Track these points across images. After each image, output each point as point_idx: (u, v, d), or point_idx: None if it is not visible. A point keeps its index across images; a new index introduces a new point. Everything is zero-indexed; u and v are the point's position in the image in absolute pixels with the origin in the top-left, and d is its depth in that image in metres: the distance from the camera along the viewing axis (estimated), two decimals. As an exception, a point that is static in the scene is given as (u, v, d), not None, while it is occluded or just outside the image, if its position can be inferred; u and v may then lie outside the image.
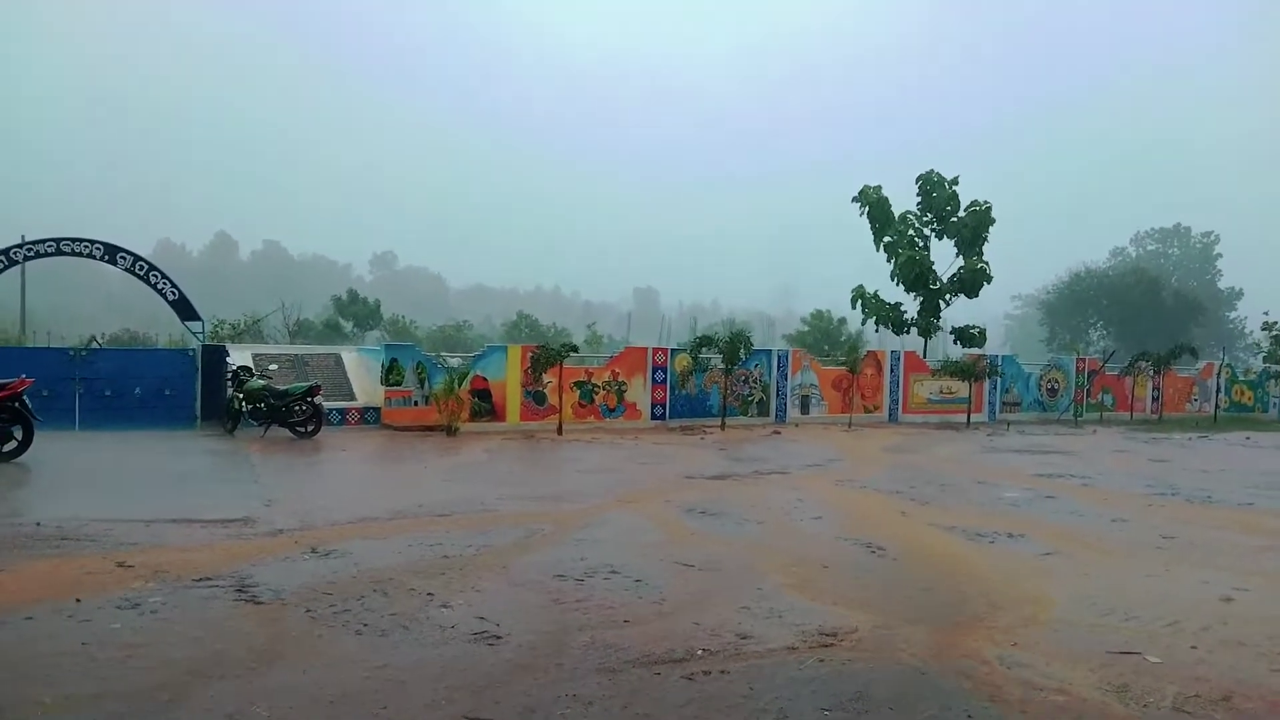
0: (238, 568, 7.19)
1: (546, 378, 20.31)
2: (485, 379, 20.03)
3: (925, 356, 27.42)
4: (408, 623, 5.88)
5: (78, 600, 6.15)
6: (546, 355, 19.60)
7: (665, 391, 22.36)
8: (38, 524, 8.65)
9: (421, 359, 19.92)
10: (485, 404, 19.98)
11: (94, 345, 22.00)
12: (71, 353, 18.81)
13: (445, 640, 5.57)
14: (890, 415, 25.51)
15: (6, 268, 18.57)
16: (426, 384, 19.43)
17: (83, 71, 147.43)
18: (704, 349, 22.37)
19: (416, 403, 19.42)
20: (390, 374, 19.23)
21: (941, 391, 26.09)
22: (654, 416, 22.12)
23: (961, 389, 25.59)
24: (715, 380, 22.91)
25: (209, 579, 6.82)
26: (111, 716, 4.31)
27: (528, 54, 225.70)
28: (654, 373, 22.22)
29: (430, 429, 18.93)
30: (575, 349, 22.12)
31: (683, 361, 22.57)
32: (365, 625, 5.80)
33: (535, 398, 20.53)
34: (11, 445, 12.88)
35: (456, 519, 9.58)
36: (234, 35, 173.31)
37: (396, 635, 5.63)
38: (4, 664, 4.96)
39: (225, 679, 4.83)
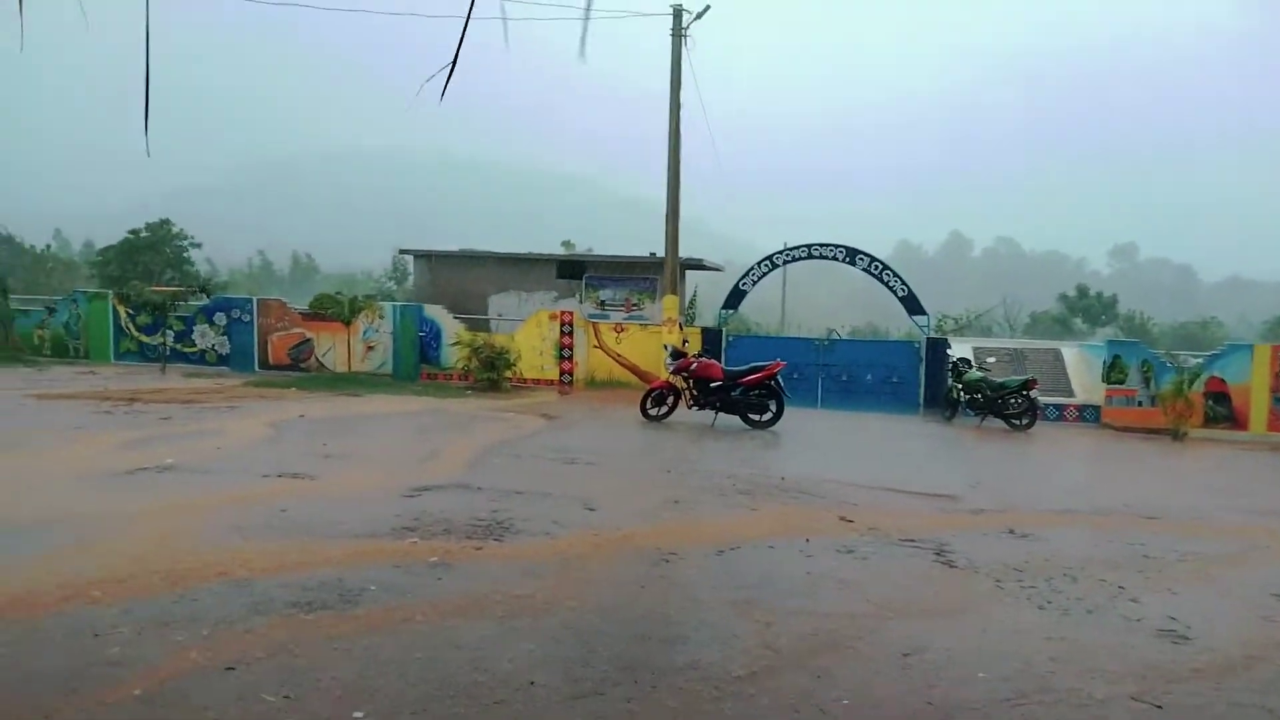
0: (939, 535, 7.94)
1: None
2: (1224, 381, 18.05)
3: None
4: (1092, 608, 6.00)
5: (807, 540, 7.48)
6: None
7: None
8: (782, 478, 10.51)
9: (1147, 356, 18.74)
10: (1222, 409, 18.01)
11: (834, 336, 25.03)
12: (817, 342, 21.77)
13: (1127, 629, 5.59)
14: None
15: (771, 270, 22.17)
16: (1152, 383, 18.25)
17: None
18: None
19: (1140, 403, 18.35)
20: (1112, 371, 18.49)
21: None
22: None
23: None
24: None
25: (913, 540, 7.68)
26: (828, 631, 5.33)
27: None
28: None
29: (1154, 431, 17.75)
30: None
31: None
32: (1049, 603, 6.08)
33: (1291, 405, 17.89)
34: (768, 416, 15.55)
35: (1164, 523, 9.13)
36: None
37: (1078, 617, 5.81)
38: (752, 576, 6.38)
39: (912, 619, 5.59)
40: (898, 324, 31.38)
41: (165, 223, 42.78)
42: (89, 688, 4.08)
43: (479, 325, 23.56)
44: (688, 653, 4.79)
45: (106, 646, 4.53)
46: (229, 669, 4.34)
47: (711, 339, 20.83)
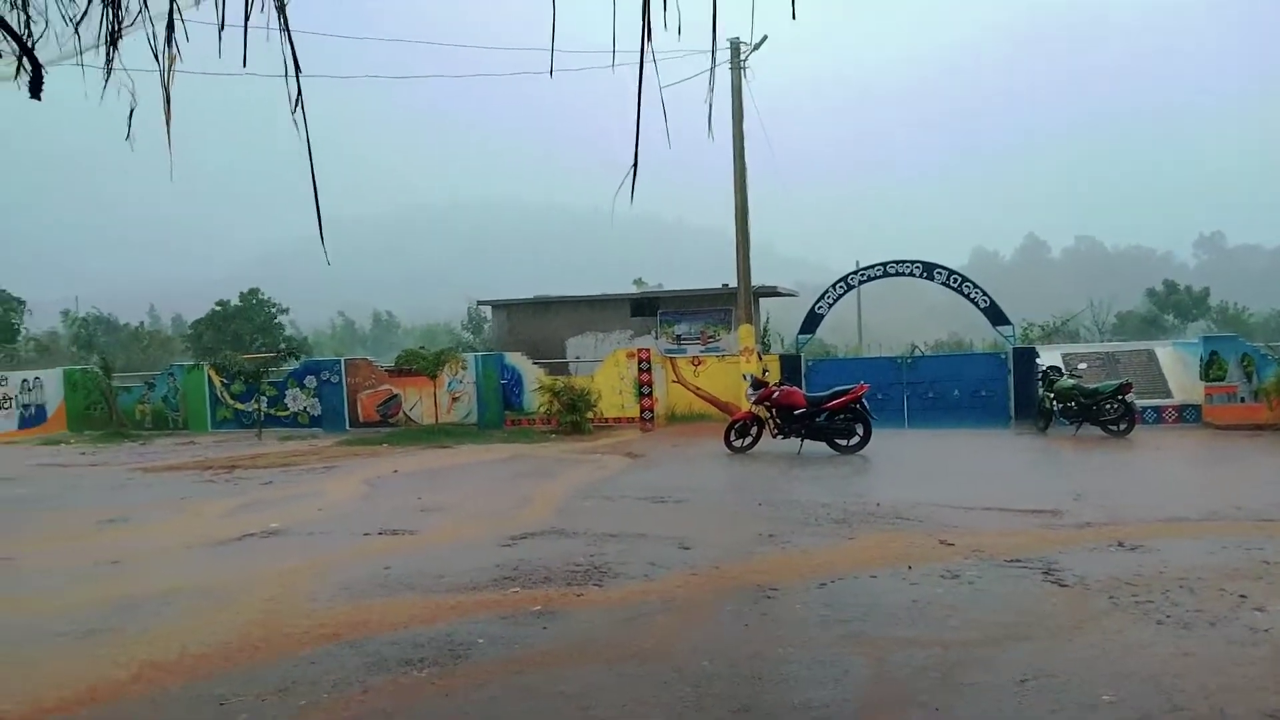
0: (1045, 553, 7.74)
1: None
2: (1333, 370, 17.29)
3: None
4: (1214, 620, 5.78)
5: (909, 567, 7.36)
6: None
7: None
8: (878, 504, 10.36)
9: (1247, 350, 18.05)
10: (1335, 400, 17.23)
11: (917, 353, 24.68)
12: (899, 360, 21.48)
13: (1254, 641, 5.37)
14: None
15: (846, 291, 22.00)
16: (1255, 378, 17.55)
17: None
18: None
19: (1243, 399, 17.66)
20: (1210, 368, 17.84)
21: None
22: None
23: None
24: None
25: (1019, 560, 7.50)
26: (941, 661, 5.24)
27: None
28: None
29: (1260, 428, 17.04)
30: None
31: None
32: (1167, 617, 5.88)
33: None
34: (856, 440, 15.36)
35: (1283, 525, 8.77)
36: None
37: (1201, 630, 5.61)
38: (858, 608, 6.30)
39: (1028, 642, 5.46)
40: (981, 335, 30.78)
41: (254, 291, 44.36)
42: (222, 755, 4.23)
43: (558, 369, 23.84)
44: (801, 692, 4.76)
45: (234, 714, 4.69)
46: (351, 730, 4.45)
47: (790, 365, 20.71)
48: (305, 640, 5.87)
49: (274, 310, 44.84)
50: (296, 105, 3.09)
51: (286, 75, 3.03)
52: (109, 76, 3.07)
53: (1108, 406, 17.14)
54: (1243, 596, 6.27)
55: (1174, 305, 46.37)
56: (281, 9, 2.94)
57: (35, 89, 2.80)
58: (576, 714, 4.55)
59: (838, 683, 4.88)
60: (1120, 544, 8.02)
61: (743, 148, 21.13)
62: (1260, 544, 7.87)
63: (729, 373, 21.27)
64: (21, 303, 42.40)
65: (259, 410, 22.80)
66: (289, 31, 2.95)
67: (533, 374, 22.09)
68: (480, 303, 35.04)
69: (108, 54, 3.08)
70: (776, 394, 15.83)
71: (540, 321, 26.52)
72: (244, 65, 2.97)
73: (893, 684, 4.86)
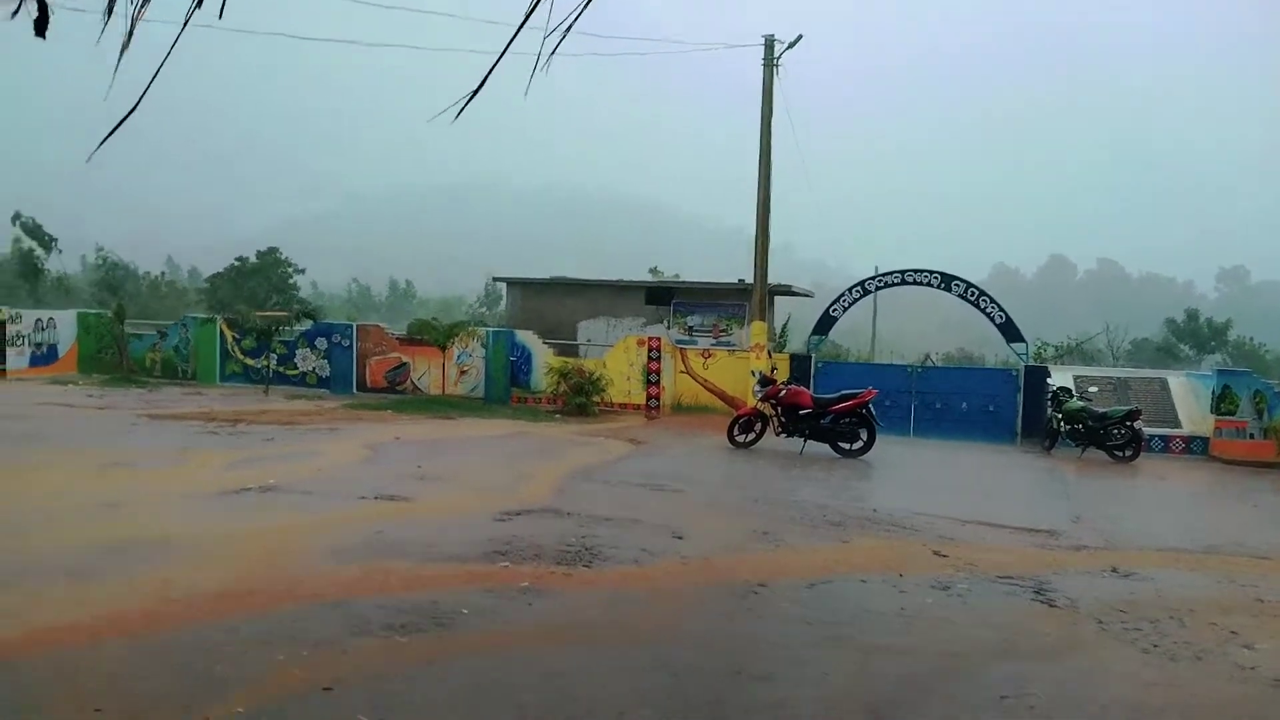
0: (1038, 573, 7.70)
1: None
2: (1344, 414, 17.14)
3: None
4: (1201, 654, 5.74)
5: (900, 575, 7.34)
6: None
7: None
8: (874, 510, 10.33)
9: (1260, 387, 17.89)
10: (1343, 443, 17.10)
11: (928, 363, 24.58)
12: (909, 369, 21.38)
13: (1241, 679, 5.34)
14: None
15: (861, 296, 21.90)
16: (1266, 415, 17.41)
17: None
18: None
19: (1252, 435, 17.52)
20: (1222, 402, 17.70)
21: None
22: None
23: None
24: None
25: (1011, 578, 7.47)
26: (923, 671, 5.22)
27: None
28: None
29: (1266, 465, 16.91)
30: None
31: None
32: (1155, 646, 5.84)
33: None
34: (859, 444, 15.31)
35: (1278, 563, 8.70)
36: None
37: (1186, 663, 5.57)
38: (844, 611, 6.28)
39: (1012, 660, 5.44)
40: (994, 351, 30.62)
41: (272, 250, 44.42)
42: (198, 703, 4.25)
43: (568, 350, 23.82)
44: (779, 691, 4.75)
45: (215, 663, 4.71)
46: (327, 689, 4.46)
47: (800, 365, 20.63)
48: (290, 597, 5.89)
49: (291, 270, 44.93)
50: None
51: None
52: (132, 29, 3.02)
53: (1115, 431, 17.02)
54: (1233, 633, 6.23)
55: (1192, 335, 46.01)
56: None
57: (40, 28, 2.77)
58: (554, 693, 4.55)
59: (816, 684, 4.86)
60: (1114, 570, 7.98)
61: (769, 145, 21.02)
62: (1255, 581, 7.82)
63: (738, 367, 21.21)
64: (53, 239, 42.38)
65: (268, 367, 22.86)
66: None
67: (543, 353, 22.08)
68: (496, 279, 35.01)
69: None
70: (783, 392, 15.78)
71: (554, 302, 26.49)
72: (219, 17, 2.88)
73: (872, 691, 4.85)
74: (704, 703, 4.52)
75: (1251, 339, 46.80)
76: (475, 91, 3.11)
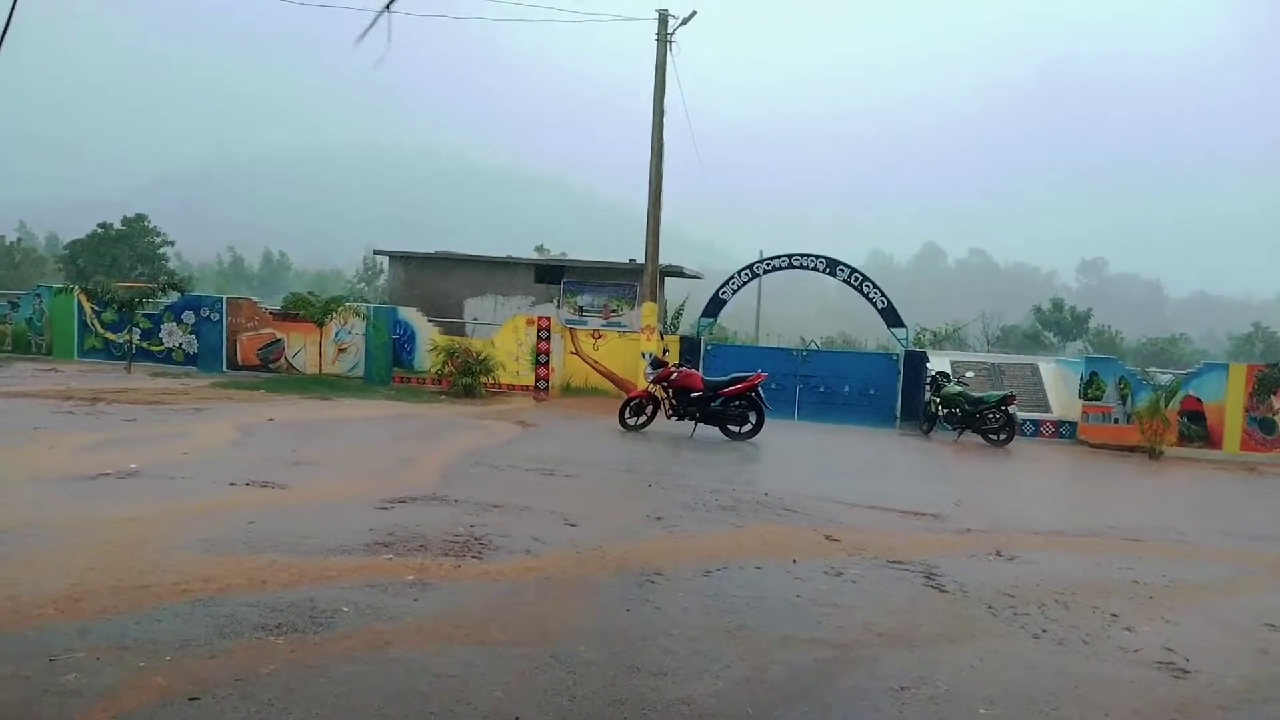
0: (927, 557, 7.78)
1: (1278, 403, 17.67)
2: (1199, 400, 18.11)
3: None
4: (1087, 637, 5.85)
5: (794, 561, 7.29)
6: (1276, 376, 17.09)
7: None
8: (766, 494, 10.33)
9: (1125, 374, 18.79)
10: (1197, 428, 18.07)
11: (811, 347, 24.91)
12: (795, 353, 21.64)
13: (1126, 661, 5.44)
14: None
15: (750, 280, 22.03)
16: (1129, 400, 18.28)
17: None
18: None
19: (1117, 420, 18.38)
20: (1090, 388, 18.50)
21: None
22: None
23: None
24: None
25: (900, 562, 7.51)
26: (822, 661, 5.13)
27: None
28: None
29: (1130, 449, 17.78)
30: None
31: None
32: (1044, 631, 5.92)
33: (1262, 425, 17.96)
34: (748, 427, 15.37)
35: (1150, 545, 9.04)
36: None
37: (1074, 646, 5.66)
38: (741, 599, 6.17)
39: (908, 649, 5.41)
40: (873, 335, 31.40)
41: (140, 218, 42.03)
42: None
43: (454, 329, 23.25)
44: (679, 686, 4.58)
45: (62, 673, 4.26)
46: (193, 699, 4.07)
47: (690, 347, 20.63)
48: (152, 595, 5.42)
49: (159, 240, 42.64)
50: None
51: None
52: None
53: (990, 416, 17.60)
54: (1114, 615, 6.38)
55: (1056, 324, 48.29)
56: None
57: None
58: (445, 695, 4.27)
59: (717, 677, 4.72)
60: (999, 553, 8.13)
61: (661, 122, 20.88)
62: (1130, 564, 8.08)
63: (629, 349, 21.08)
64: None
65: (130, 342, 21.56)
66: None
67: (427, 332, 21.48)
68: (377, 252, 33.99)
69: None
70: (675, 375, 15.70)
71: (440, 278, 25.82)
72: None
73: (772, 684, 4.73)
74: (602, 703, 4.31)
75: (1110, 327, 49.43)
76: (362, 36, 2.81)
